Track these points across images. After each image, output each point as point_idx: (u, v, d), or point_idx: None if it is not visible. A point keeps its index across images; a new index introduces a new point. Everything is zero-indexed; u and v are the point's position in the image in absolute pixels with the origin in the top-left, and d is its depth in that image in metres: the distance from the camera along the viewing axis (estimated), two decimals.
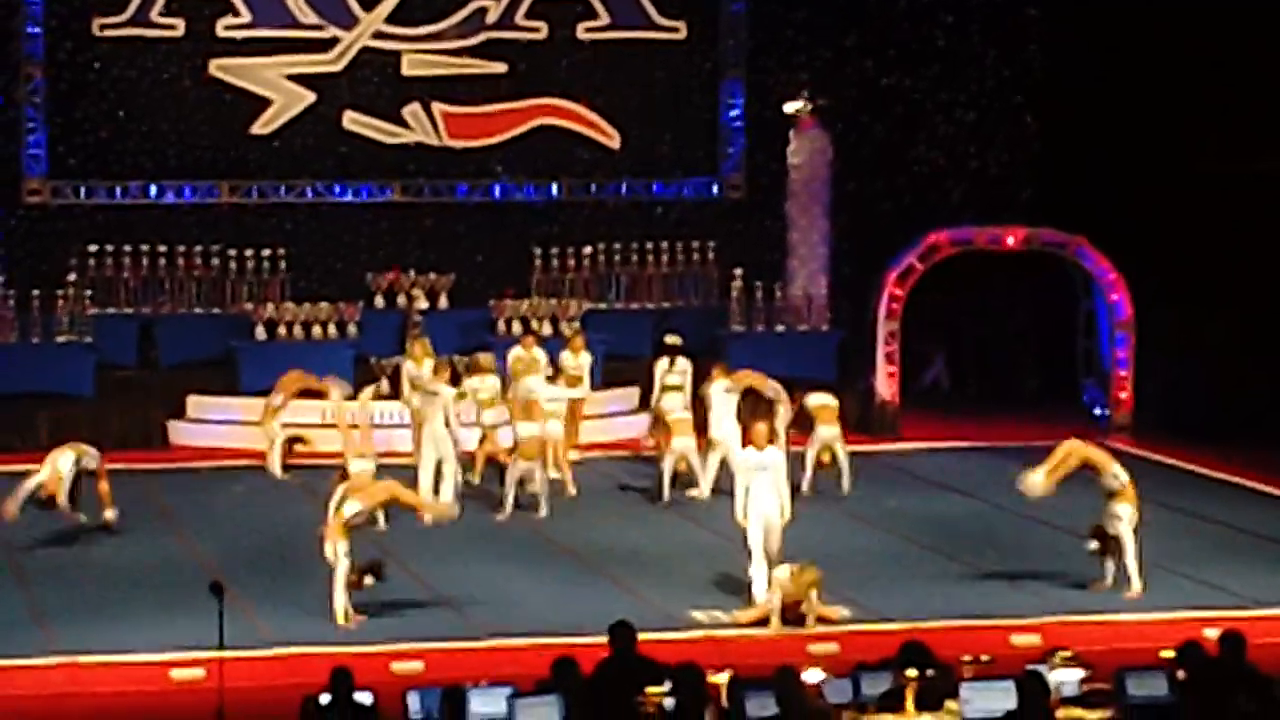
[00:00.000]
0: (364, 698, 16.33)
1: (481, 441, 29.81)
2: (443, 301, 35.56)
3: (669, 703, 16.41)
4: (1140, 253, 35.22)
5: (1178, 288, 35.45)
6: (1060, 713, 16.26)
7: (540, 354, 31.26)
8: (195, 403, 33.67)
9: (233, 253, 35.48)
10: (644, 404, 32.67)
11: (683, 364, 31.15)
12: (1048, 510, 28.46)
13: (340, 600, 22.41)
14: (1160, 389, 35.29)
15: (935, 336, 38.89)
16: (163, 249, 35.19)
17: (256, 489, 29.80)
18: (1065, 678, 17.01)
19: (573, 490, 29.21)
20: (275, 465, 29.39)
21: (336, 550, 22.54)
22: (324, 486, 29.40)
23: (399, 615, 22.95)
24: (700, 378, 30.31)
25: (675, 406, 30.71)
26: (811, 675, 16.73)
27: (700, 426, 29.32)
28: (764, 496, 23.58)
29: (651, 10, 37.66)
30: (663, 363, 31.23)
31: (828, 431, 29.11)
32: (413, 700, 16.67)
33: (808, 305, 36.62)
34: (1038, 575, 25.03)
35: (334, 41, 36.59)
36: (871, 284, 35.75)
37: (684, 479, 29.24)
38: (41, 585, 24.14)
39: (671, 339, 32.01)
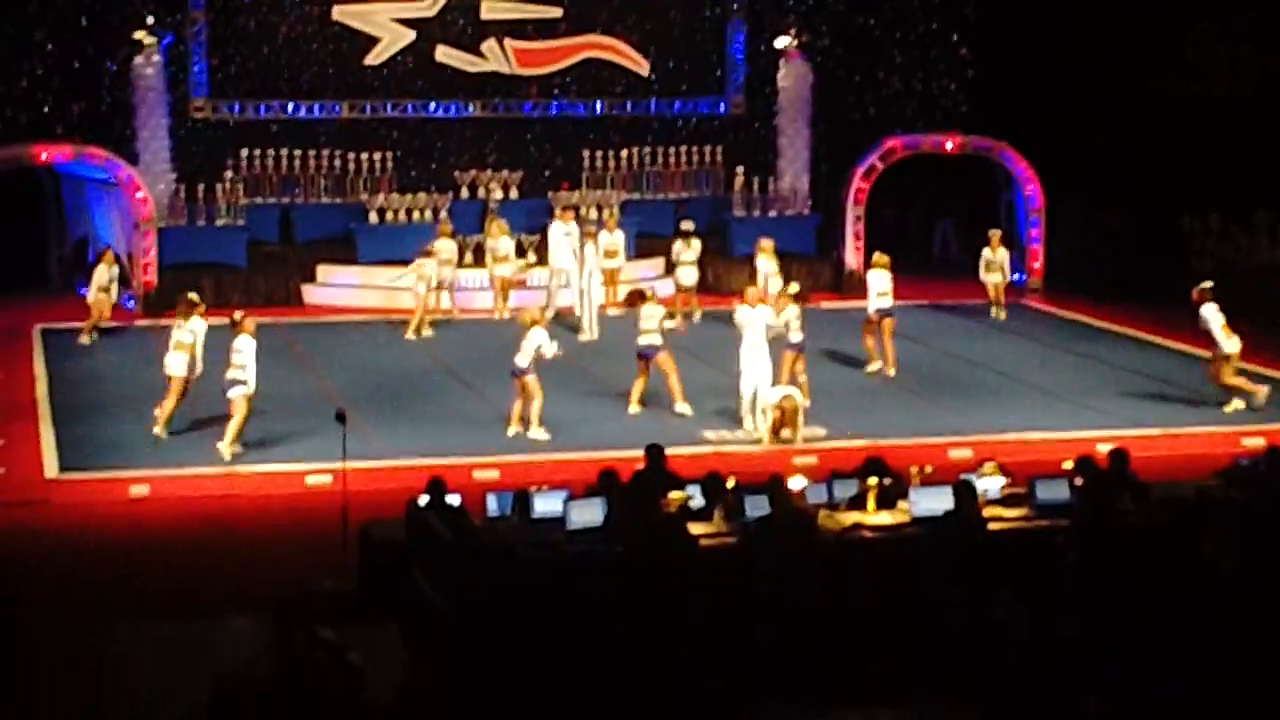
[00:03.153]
0: (454, 499, 16.30)
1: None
2: (513, 193, 35.37)
3: (694, 503, 16.43)
4: (1053, 153, 35.08)
5: (1083, 181, 35.33)
6: (986, 511, 16.24)
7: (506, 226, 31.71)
8: (324, 271, 33.64)
9: (351, 156, 35.31)
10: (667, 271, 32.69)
11: (695, 243, 31.08)
12: (981, 354, 28.52)
13: None
14: (1065, 260, 35.23)
15: (938, 211, 39.21)
16: (298, 153, 35.05)
17: (370, 337, 29.82)
18: (990, 485, 16.99)
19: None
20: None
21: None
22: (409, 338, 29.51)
23: (481, 434, 22.97)
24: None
25: (688, 276, 30.80)
26: (795, 482, 16.70)
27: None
28: (753, 344, 23.34)
29: None
30: (679, 243, 31.15)
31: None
32: (491, 501, 16.73)
33: (794, 195, 36.47)
34: (969, 404, 25.00)
35: None
36: (843, 179, 35.68)
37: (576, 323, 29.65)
38: (207, 411, 23.79)
39: (686, 224, 31.85)
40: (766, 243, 29.49)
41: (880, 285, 27.15)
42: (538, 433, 22.78)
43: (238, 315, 22.62)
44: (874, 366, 26.95)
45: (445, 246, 30.95)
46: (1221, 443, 22.41)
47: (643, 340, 24.17)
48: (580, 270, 30.20)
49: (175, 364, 22.89)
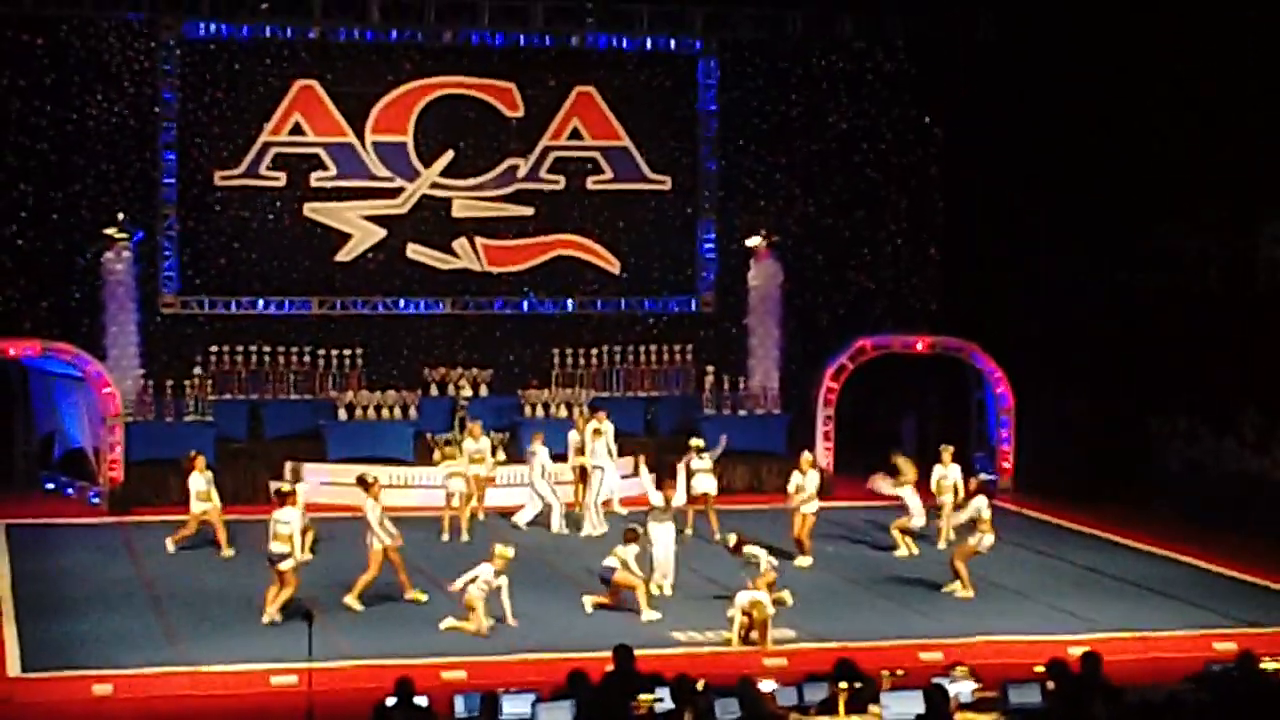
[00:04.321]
0: (421, 701, 16.31)
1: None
2: (483, 390, 35.56)
3: (660, 706, 16.37)
4: (1025, 352, 35.33)
5: (1053, 380, 35.53)
6: (958, 716, 16.22)
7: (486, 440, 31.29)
8: (292, 468, 33.63)
9: (321, 352, 35.57)
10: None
11: (706, 456, 30.07)
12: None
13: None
14: (1035, 460, 35.30)
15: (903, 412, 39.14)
16: (267, 349, 35.28)
17: (337, 535, 29.74)
18: (961, 688, 16.98)
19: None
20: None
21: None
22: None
23: (448, 634, 22.93)
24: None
25: (706, 484, 29.97)
26: (766, 685, 16.71)
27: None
28: (664, 538, 25.13)
29: (644, 167, 37.78)
30: (692, 454, 30.42)
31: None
32: (458, 703, 16.69)
33: (764, 394, 36.67)
34: (940, 606, 25.02)
35: (400, 190, 36.69)
36: (813, 378, 35.87)
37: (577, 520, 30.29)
38: (172, 609, 24.18)
39: (696, 441, 31.03)
40: (906, 464, 29.43)
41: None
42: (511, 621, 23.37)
43: (285, 487, 24.18)
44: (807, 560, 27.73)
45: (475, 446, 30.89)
46: (1193, 646, 22.44)
47: (606, 562, 24.60)
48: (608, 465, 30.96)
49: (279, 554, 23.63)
